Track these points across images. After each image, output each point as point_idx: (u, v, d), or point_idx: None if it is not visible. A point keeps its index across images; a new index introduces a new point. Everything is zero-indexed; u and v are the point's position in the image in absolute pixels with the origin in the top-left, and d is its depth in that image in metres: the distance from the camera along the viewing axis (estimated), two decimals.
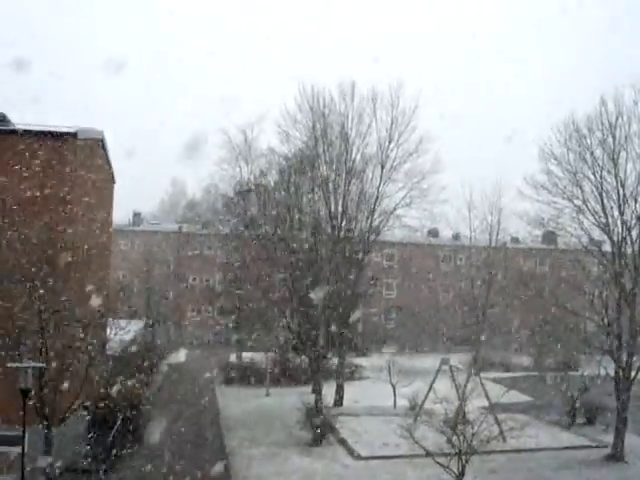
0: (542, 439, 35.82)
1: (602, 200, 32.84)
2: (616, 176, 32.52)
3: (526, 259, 68.22)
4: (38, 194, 28.97)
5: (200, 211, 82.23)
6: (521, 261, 67.18)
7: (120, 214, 64.98)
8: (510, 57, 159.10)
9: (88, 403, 29.49)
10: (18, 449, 22.23)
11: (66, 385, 23.66)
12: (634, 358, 32.83)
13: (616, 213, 32.89)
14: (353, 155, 46.50)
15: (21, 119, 31.64)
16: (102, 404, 32.01)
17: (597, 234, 34.22)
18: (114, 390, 33.07)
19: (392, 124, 46.92)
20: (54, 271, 25.10)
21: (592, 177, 33.09)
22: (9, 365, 21.78)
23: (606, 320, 32.85)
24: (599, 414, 40.30)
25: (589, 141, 33.49)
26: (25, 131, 30.01)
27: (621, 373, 32.98)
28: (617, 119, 32.68)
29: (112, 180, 42.77)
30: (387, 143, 47.01)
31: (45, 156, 29.30)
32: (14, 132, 30.11)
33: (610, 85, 32.90)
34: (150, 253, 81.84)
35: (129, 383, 35.85)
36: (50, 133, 29.94)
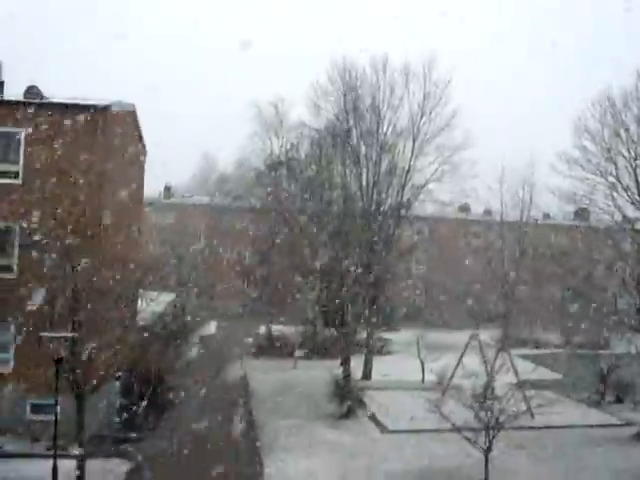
0: (570, 416, 35.75)
1: (636, 177, 32.44)
2: None
3: (557, 235, 67.55)
4: (71, 167, 29.21)
5: (231, 185, 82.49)
6: (552, 237, 66.52)
7: (152, 187, 65.49)
8: (544, 29, 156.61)
9: (120, 373, 29.88)
10: (52, 417, 22.65)
11: (98, 355, 23.99)
12: None
13: None
14: (384, 128, 46.44)
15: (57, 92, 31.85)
16: (133, 374, 32.49)
17: (630, 211, 33.85)
18: (145, 360, 33.47)
19: (424, 98, 46.75)
20: (86, 243, 25.38)
21: (626, 153, 32.70)
22: (43, 335, 22.12)
23: (638, 298, 32.55)
24: (628, 392, 40.08)
25: (624, 117, 33.05)
26: (57, 104, 30.21)
27: None
28: None
29: (144, 153, 42.96)
30: (419, 117, 46.86)
31: (77, 129, 29.45)
32: (46, 105, 30.32)
33: None
34: (181, 226, 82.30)
35: (160, 354, 36.21)
36: (82, 106, 30.07)
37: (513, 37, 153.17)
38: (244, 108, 64.97)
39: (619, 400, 40.60)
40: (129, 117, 34.57)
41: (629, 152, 32.56)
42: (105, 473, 25.41)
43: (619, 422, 36.24)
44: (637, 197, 32.56)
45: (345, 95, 46.06)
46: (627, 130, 32.75)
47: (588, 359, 41.46)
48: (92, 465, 24.76)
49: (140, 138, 40.21)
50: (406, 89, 46.52)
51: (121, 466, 26.65)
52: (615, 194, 33.13)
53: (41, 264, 24.94)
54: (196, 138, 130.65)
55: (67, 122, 29.54)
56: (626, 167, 32.71)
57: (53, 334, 21.95)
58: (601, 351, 42.62)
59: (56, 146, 29.21)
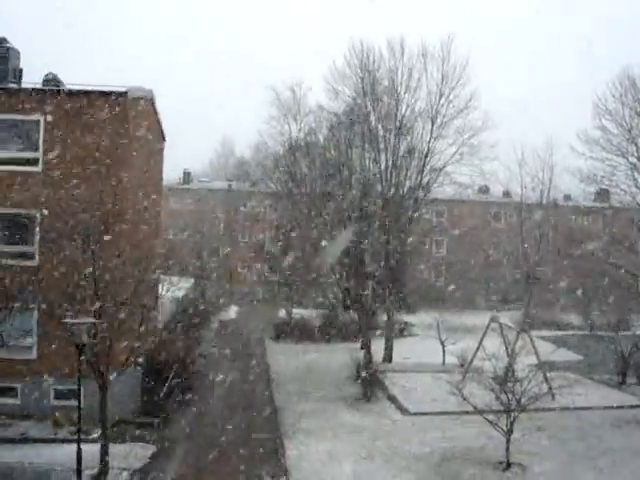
0: (591, 398, 35.62)
1: None
2: None
3: (578, 217, 67.15)
4: (89, 154, 29.36)
5: (249, 169, 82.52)
6: (573, 219, 66.16)
7: (170, 173, 65.69)
8: (564, 10, 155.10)
9: (141, 359, 30.13)
10: (75, 402, 22.87)
11: (120, 340, 24.17)
12: None
13: None
14: (402, 111, 46.22)
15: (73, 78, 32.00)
16: (155, 359, 32.75)
17: None
18: (167, 345, 33.72)
19: (443, 80, 46.50)
20: (107, 229, 25.52)
21: None
22: (65, 321, 22.31)
23: None
24: None
25: None
26: (76, 91, 30.33)
27: None
28: None
29: (162, 138, 43.08)
30: (437, 99, 46.61)
31: (96, 115, 29.60)
32: (65, 92, 30.45)
33: None
34: (201, 211, 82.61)
35: (181, 339, 36.46)
36: (101, 92, 30.20)
37: (532, 19, 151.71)
38: (262, 92, 65.06)
39: None
40: (147, 103, 34.62)
41: None
42: (128, 457, 25.67)
43: None
44: None
45: (363, 78, 45.90)
46: None
47: (609, 340, 41.31)
48: (115, 449, 25.04)
49: (159, 123, 40.30)
50: (424, 71, 46.35)
51: (144, 450, 26.89)
52: (636, 174, 32.88)
53: (62, 251, 25.09)
54: (214, 123, 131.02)
55: (86, 109, 29.72)
56: None
57: (76, 320, 22.11)
58: (622, 332, 42.38)
59: (75, 133, 29.41)
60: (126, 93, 30.29)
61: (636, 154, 32.62)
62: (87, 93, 30.11)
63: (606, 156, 33.45)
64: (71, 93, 30.27)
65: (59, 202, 27.89)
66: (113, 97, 30.07)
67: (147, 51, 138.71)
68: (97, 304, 23.41)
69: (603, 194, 40.40)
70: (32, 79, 31.90)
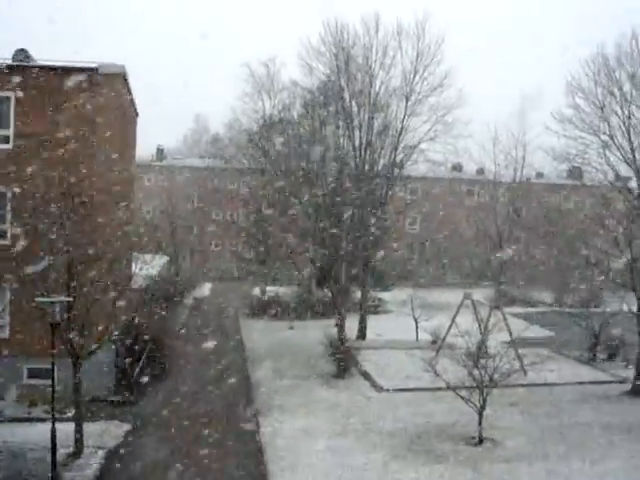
0: (563, 374, 36.18)
1: (629, 135, 32.35)
2: None
3: (550, 194, 67.67)
4: (60, 130, 28.99)
5: (223, 146, 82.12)
6: (545, 196, 66.63)
7: (144, 149, 65.26)
8: None
9: (115, 337, 30.05)
10: (49, 381, 22.80)
11: (94, 319, 24.07)
12: None
13: None
14: (377, 88, 46.19)
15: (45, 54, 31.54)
16: (129, 337, 32.66)
17: (623, 170, 33.79)
18: (140, 323, 33.63)
19: (417, 57, 46.52)
20: (79, 207, 25.27)
21: (620, 112, 32.52)
22: (38, 300, 22.16)
23: (630, 256, 32.69)
24: (620, 350, 40.48)
25: (618, 75, 32.85)
26: (47, 66, 29.87)
27: None
28: None
29: (135, 115, 42.68)
30: (412, 76, 46.63)
31: (66, 92, 29.18)
32: (35, 67, 29.98)
33: None
34: (174, 188, 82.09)
35: (155, 316, 36.38)
36: (72, 68, 29.73)
37: None
38: (236, 68, 64.59)
39: (611, 357, 41.00)
40: (120, 79, 34.25)
41: (622, 110, 32.41)
42: (103, 435, 25.68)
43: (611, 379, 36.63)
44: (630, 155, 32.51)
45: (337, 55, 45.73)
46: (620, 88, 32.54)
47: (580, 317, 41.77)
48: (90, 428, 25.05)
49: (131, 100, 39.91)
50: (399, 48, 46.29)
51: (119, 428, 26.92)
52: (608, 152, 33.06)
53: (35, 229, 24.86)
54: (188, 100, 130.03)
55: (57, 85, 29.25)
56: (619, 125, 32.58)
57: (49, 299, 21.97)
58: (593, 309, 42.89)
59: (47, 109, 28.98)
60: (97, 69, 29.87)
61: (608, 132, 32.78)
62: (58, 69, 29.62)
63: (579, 134, 33.61)
64: (42, 69, 29.76)
65: (30, 179, 27.54)
66: (84, 73, 29.61)
67: (120, 28, 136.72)
68: (71, 283, 23.28)
69: (575, 172, 40.66)
70: (2, 55, 31.37)
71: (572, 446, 25.55)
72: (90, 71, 29.74)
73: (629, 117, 32.20)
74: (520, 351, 32.54)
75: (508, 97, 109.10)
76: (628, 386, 33.96)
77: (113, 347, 30.82)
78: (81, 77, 29.50)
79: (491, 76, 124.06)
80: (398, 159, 47.66)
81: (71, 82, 29.17)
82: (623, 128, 32.44)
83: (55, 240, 23.51)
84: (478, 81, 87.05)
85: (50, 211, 24.14)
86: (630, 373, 34.87)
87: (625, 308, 35.10)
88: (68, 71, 29.51)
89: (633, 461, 24.03)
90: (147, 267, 33.40)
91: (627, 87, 32.46)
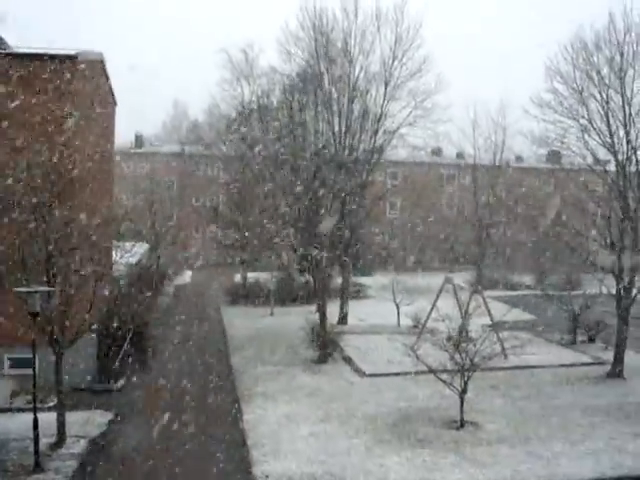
0: (543, 356, 36.46)
1: (608, 119, 32.47)
2: (622, 95, 32.01)
3: (530, 178, 67.99)
4: (38, 118, 28.70)
5: (202, 133, 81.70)
6: (525, 180, 66.97)
7: (122, 137, 64.74)
8: None
9: (96, 325, 29.94)
10: (30, 371, 22.70)
11: (74, 308, 23.95)
12: (635, 277, 33.06)
13: (622, 132, 32.52)
14: (356, 73, 46.16)
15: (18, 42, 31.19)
16: (110, 326, 32.53)
17: (602, 153, 33.92)
18: (121, 312, 33.51)
19: (396, 42, 46.41)
20: (57, 195, 25.06)
21: (598, 96, 32.61)
22: (18, 290, 21.99)
23: (609, 239, 32.94)
24: (600, 332, 40.85)
25: (596, 59, 32.89)
26: (22, 54, 29.55)
27: (622, 292, 33.27)
28: (625, 37, 32.03)
29: (113, 102, 42.36)
30: (391, 61, 46.56)
31: (44, 79, 28.87)
32: (11, 55, 29.65)
33: (619, 1, 32.03)
34: (153, 175, 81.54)
35: (136, 304, 36.26)
36: (49, 55, 29.42)
37: None
38: (214, 55, 64.20)
39: (591, 340, 41.40)
40: (97, 67, 33.96)
41: (601, 94, 32.50)
42: (86, 425, 25.59)
43: (591, 361, 36.99)
44: (608, 139, 32.65)
45: (316, 40, 45.55)
46: (599, 72, 32.60)
47: (561, 300, 42.09)
48: (73, 417, 24.96)
49: (109, 87, 39.61)
50: (378, 33, 46.15)
51: (102, 417, 26.84)
52: (587, 136, 33.17)
53: (12, 217, 24.61)
54: (166, 86, 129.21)
55: (33, 73, 28.92)
56: (598, 110, 32.68)
57: (28, 289, 21.82)
58: (573, 292, 43.20)
59: (22, 98, 28.61)
60: (75, 56, 29.60)
61: (586, 116, 32.86)
62: (35, 56, 29.28)
63: (558, 118, 33.65)
64: (19, 56, 29.46)
65: (7, 167, 27.24)
66: (62, 60, 29.32)
67: (98, 14, 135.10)
68: (50, 272, 23.14)
69: (554, 156, 40.79)
70: None
71: (553, 428, 25.79)
72: (68, 58, 29.47)
73: (607, 101, 32.30)
74: (501, 334, 32.73)
75: (488, 81, 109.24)
76: (608, 367, 34.29)
77: (94, 336, 30.71)
78: (59, 64, 29.22)
79: (470, 60, 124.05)
80: (378, 144, 47.64)
81: (49, 69, 28.90)
82: (602, 112, 32.55)
83: (34, 229, 23.32)
84: (458, 65, 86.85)
85: (28, 198, 23.92)
86: (610, 355, 35.18)
87: (604, 291, 35.38)
88: (46, 58, 29.22)
89: (614, 442, 24.29)
90: (127, 255, 33.30)
91: (605, 71, 32.54)
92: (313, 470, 21.74)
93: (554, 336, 42.13)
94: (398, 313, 46.06)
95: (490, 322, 36.02)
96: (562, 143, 34.62)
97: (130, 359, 33.42)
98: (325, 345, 36.34)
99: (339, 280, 49.49)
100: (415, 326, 41.71)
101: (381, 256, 73.38)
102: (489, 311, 36.63)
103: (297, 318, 41.23)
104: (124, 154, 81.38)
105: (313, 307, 44.61)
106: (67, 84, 29.21)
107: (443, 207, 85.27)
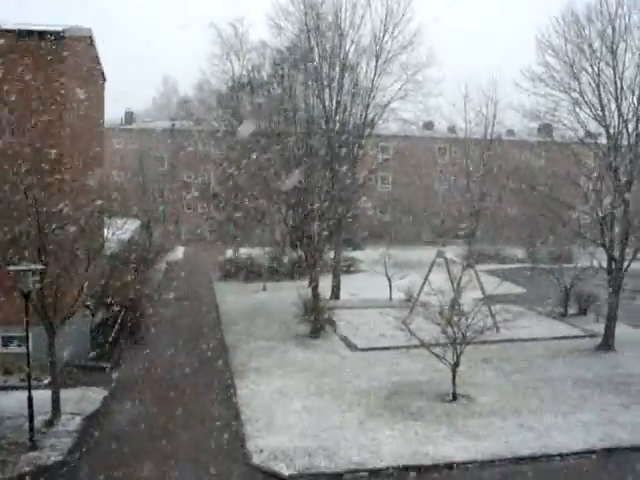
0: (535, 329, 36.73)
1: (599, 92, 32.40)
2: (614, 68, 31.96)
3: (521, 151, 67.88)
4: (27, 95, 28.49)
5: (193, 108, 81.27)
6: (516, 153, 66.88)
7: (112, 113, 64.37)
8: None
9: (89, 302, 29.92)
10: (24, 349, 22.73)
11: (67, 286, 23.93)
12: (626, 250, 33.19)
13: (613, 106, 32.51)
14: (347, 47, 45.93)
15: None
16: (103, 303, 32.54)
17: (593, 127, 33.96)
18: (114, 289, 33.47)
19: (387, 15, 46.20)
20: (48, 173, 24.96)
21: (590, 69, 32.53)
22: (9, 268, 21.93)
23: (600, 212, 33.02)
24: (591, 305, 41.09)
25: (588, 32, 32.75)
26: (10, 30, 29.23)
27: (613, 265, 33.43)
28: (617, 9, 31.92)
29: (102, 78, 42.03)
30: (382, 35, 46.36)
31: (32, 56, 28.65)
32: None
33: None
34: (144, 151, 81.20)
35: (129, 281, 36.23)
36: (37, 32, 29.16)
37: None
38: (204, 29, 63.85)
39: (582, 312, 41.65)
40: (86, 43, 33.69)
41: (592, 68, 32.40)
42: (81, 402, 25.67)
43: (582, 333, 37.26)
44: (599, 113, 32.62)
45: (306, 14, 45.21)
46: (590, 46, 32.48)
47: (552, 273, 42.25)
48: (67, 395, 25.05)
49: (98, 63, 39.30)
50: (368, 6, 45.86)
51: (96, 394, 26.91)
52: (578, 110, 33.11)
53: (3, 196, 24.50)
54: (156, 62, 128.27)
55: (22, 49, 28.69)
56: (589, 83, 32.59)
57: (20, 267, 21.77)
58: (564, 265, 43.35)
59: (11, 74, 28.42)
60: (64, 33, 29.33)
61: (578, 90, 32.76)
62: (24, 32, 29.02)
63: (549, 92, 33.54)
64: (6, 32, 29.15)
65: None
66: (50, 37, 29.07)
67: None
68: (42, 250, 23.08)
69: (546, 129, 40.72)
70: None
71: (544, 400, 26.04)
72: (57, 35, 29.20)
73: (599, 74, 32.22)
74: (493, 308, 32.89)
75: (480, 53, 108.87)
76: (599, 340, 34.53)
77: (88, 313, 30.72)
78: (47, 41, 28.98)
79: (462, 33, 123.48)
80: (369, 118, 47.51)
81: (37, 46, 28.67)
82: (593, 85, 32.49)
83: (25, 207, 23.23)
84: (449, 38, 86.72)
85: (20, 178, 23.81)
86: (600, 327, 35.42)
87: (595, 264, 35.54)
88: (34, 34, 28.97)
89: (604, 414, 24.55)
90: (119, 232, 33.21)
91: (597, 44, 32.43)
92: (307, 444, 21.88)
93: (545, 309, 42.37)
94: (390, 287, 46.16)
95: (482, 295, 36.14)
96: (553, 116, 34.57)
97: (124, 335, 33.49)
98: (317, 320, 36.43)
99: (331, 254, 49.52)
100: (407, 300, 41.81)
101: (373, 230, 73.33)
102: (481, 285, 36.75)
103: (290, 293, 41.28)
104: (115, 130, 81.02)
105: (305, 282, 44.64)
106: (56, 60, 28.98)
107: (435, 181, 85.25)
